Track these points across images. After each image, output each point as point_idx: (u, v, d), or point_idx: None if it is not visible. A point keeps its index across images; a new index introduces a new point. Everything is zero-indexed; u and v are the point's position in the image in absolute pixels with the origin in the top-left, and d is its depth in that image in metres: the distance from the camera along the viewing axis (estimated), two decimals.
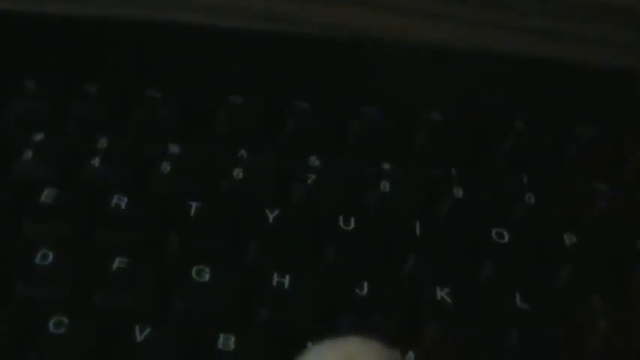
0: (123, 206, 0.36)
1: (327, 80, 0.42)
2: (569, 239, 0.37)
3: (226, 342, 0.31)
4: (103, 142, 0.38)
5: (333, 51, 0.43)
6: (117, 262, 0.33)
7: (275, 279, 0.33)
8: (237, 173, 0.37)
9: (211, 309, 0.33)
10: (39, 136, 0.38)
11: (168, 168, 0.37)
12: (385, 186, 0.37)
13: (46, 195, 0.36)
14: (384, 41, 0.43)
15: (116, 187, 0.36)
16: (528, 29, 0.46)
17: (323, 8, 0.46)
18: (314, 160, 0.38)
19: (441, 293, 0.34)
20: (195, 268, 0.33)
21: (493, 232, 0.36)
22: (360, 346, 0.22)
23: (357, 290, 0.34)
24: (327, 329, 0.32)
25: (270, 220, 0.36)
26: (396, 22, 0.46)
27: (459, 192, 0.38)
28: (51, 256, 0.33)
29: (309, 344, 0.28)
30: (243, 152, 0.38)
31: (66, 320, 0.31)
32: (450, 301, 0.34)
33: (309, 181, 0.37)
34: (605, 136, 0.41)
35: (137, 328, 0.31)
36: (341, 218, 0.36)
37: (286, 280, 0.33)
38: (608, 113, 0.42)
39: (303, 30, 0.44)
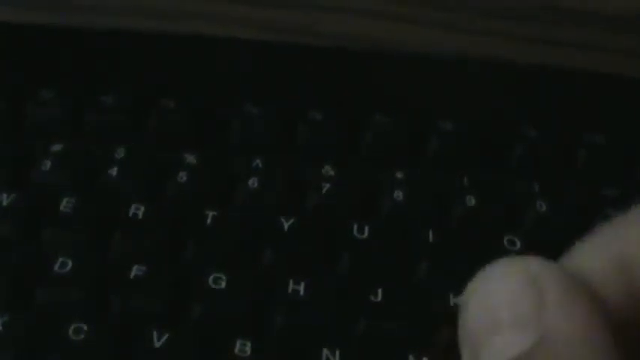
0: (140, 215, 0.36)
1: (339, 90, 0.42)
2: None
3: (243, 347, 0.32)
4: (120, 152, 0.39)
5: (345, 61, 0.43)
6: (135, 270, 0.34)
7: (290, 286, 0.34)
8: (253, 182, 0.37)
9: (228, 315, 0.33)
10: (57, 147, 0.38)
11: (185, 177, 0.37)
12: (398, 194, 0.38)
13: (65, 204, 0.36)
14: (395, 51, 0.44)
15: (133, 196, 0.37)
16: (539, 38, 0.46)
17: (335, 19, 0.46)
18: (328, 169, 0.39)
19: (454, 300, 0.34)
20: (212, 274, 0.34)
21: (505, 239, 0.37)
22: (542, 267, 0.18)
23: (371, 296, 0.34)
24: (343, 335, 0.33)
25: (286, 228, 0.36)
26: (409, 32, 0.46)
27: (471, 200, 0.38)
28: (70, 263, 0.34)
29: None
30: (258, 161, 0.39)
31: (85, 327, 0.32)
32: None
33: (324, 189, 0.38)
34: (615, 144, 0.41)
35: (155, 333, 0.32)
36: (355, 226, 0.36)
37: (301, 287, 0.34)
38: (619, 121, 0.42)
39: (316, 41, 0.45)
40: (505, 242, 0.37)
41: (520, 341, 0.17)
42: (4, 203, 0.36)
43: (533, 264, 0.19)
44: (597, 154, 0.41)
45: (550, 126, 0.42)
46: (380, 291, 0.34)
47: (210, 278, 0.34)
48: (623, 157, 0.41)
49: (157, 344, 0.32)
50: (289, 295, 0.34)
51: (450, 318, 0.34)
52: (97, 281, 0.34)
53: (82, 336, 0.32)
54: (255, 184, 0.37)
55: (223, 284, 0.34)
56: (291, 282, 0.34)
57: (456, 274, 0.35)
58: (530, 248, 0.36)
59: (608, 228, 0.20)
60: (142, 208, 0.36)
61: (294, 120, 0.41)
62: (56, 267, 0.34)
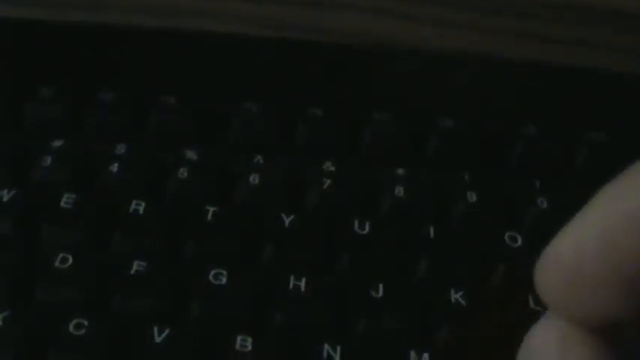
0: (141, 211, 0.36)
1: (339, 87, 0.42)
2: None
3: (244, 344, 0.32)
4: (120, 149, 0.39)
5: (346, 58, 0.43)
6: (135, 266, 0.34)
7: (291, 282, 0.34)
8: (254, 178, 0.37)
9: (229, 311, 0.33)
10: (58, 143, 0.38)
11: (185, 173, 0.37)
12: (399, 190, 0.38)
13: (66, 200, 0.36)
14: (396, 48, 0.44)
15: (134, 193, 0.37)
16: (540, 36, 0.46)
17: (335, 16, 0.46)
18: (328, 166, 0.39)
19: (455, 296, 0.34)
20: (212, 271, 0.34)
21: (506, 235, 0.37)
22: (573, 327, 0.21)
23: (372, 293, 0.34)
24: (343, 332, 0.33)
25: (286, 224, 0.36)
26: (409, 29, 0.46)
27: (472, 196, 0.38)
28: (70, 260, 0.34)
29: None
30: (259, 158, 0.39)
31: (85, 322, 0.32)
32: (463, 303, 0.34)
33: (324, 186, 0.38)
34: (616, 141, 0.42)
35: (155, 329, 0.32)
36: (356, 222, 0.36)
37: (302, 283, 0.34)
38: (620, 119, 0.42)
39: (316, 37, 0.45)
40: (506, 239, 0.37)
41: None
42: (5, 199, 0.36)
43: (560, 320, 0.21)
44: (598, 152, 0.41)
45: (551, 124, 0.42)
46: (381, 288, 0.34)
47: (211, 274, 0.34)
48: (623, 154, 0.41)
49: (158, 340, 0.32)
50: (290, 291, 0.34)
51: (451, 315, 0.34)
52: (98, 278, 0.34)
53: (83, 331, 0.32)
54: (256, 181, 0.37)
55: (224, 280, 0.34)
56: (292, 278, 0.34)
57: (456, 271, 0.36)
58: (532, 245, 0.37)
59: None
60: (143, 205, 0.36)
61: (295, 118, 0.41)
62: (56, 263, 0.34)
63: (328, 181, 0.38)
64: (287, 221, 0.36)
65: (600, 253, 0.19)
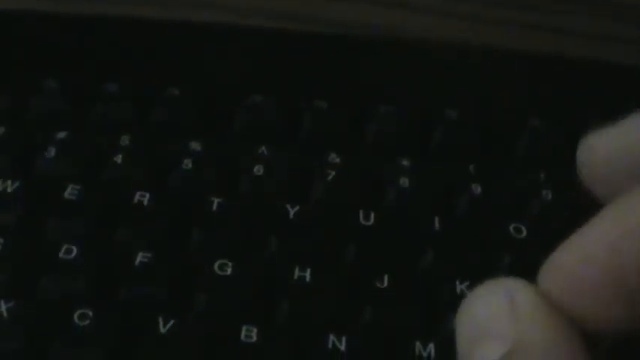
0: (145, 202, 0.36)
1: (345, 78, 0.42)
2: None
3: (249, 334, 0.32)
4: (124, 140, 0.38)
5: (350, 49, 0.43)
6: (140, 257, 0.34)
7: (296, 273, 0.34)
8: (258, 169, 0.37)
9: (234, 302, 0.33)
10: (62, 134, 0.38)
11: (190, 164, 0.37)
12: (404, 182, 0.38)
13: (70, 191, 0.36)
14: (401, 39, 0.44)
15: (138, 184, 0.37)
16: (545, 27, 0.46)
17: (340, 6, 0.46)
18: (333, 157, 0.39)
19: (460, 287, 0.34)
20: (217, 262, 0.34)
21: (511, 227, 0.37)
22: (518, 287, 0.21)
23: (377, 283, 0.34)
24: (349, 322, 0.33)
25: (291, 215, 0.36)
26: (414, 20, 0.46)
27: (477, 188, 0.38)
28: (74, 250, 0.34)
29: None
30: (263, 149, 0.39)
31: (90, 313, 0.32)
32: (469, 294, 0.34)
33: (329, 177, 0.37)
34: None
35: (161, 320, 0.32)
36: (361, 213, 0.36)
37: (307, 274, 0.34)
38: (626, 110, 0.42)
39: (320, 29, 0.45)
40: (511, 230, 0.36)
41: (497, 350, 0.20)
42: (9, 191, 0.36)
43: (511, 285, 0.21)
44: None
45: (556, 115, 0.42)
46: (386, 278, 0.34)
47: (216, 265, 0.34)
48: None
49: (163, 330, 0.32)
50: (295, 281, 0.34)
51: (457, 306, 0.34)
52: (102, 268, 0.34)
53: (88, 322, 0.32)
54: (261, 172, 0.37)
55: (229, 271, 0.33)
56: (297, 269, 0.34)
57: (462, 262, 0.36)
58: (536, 236, 0.36)
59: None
60: (147, 196, 0.36)
61: (299, 109, 0.40)
62: (61, 254, 0.34)
63: (333, 173, 0.38)
64: (292, 212, 0.36)
65: (605, 265, 0.20)
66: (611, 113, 0.42)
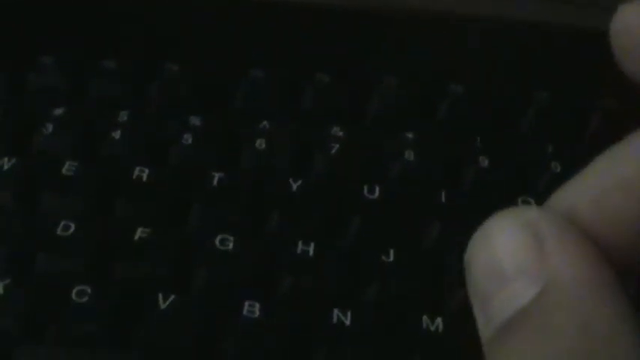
0: (144, 178, 0.35)
1: (347, 51, 0.41)
2: None
3: (251, 309, 0.31)
4: (123, 116, 0.38)
5: (353, 22, 0.42)
6: (139, 232, 0.33)
7: (299, 247, 0.33)
8: (260, 144, 0.37)
9: (236, 277, 0.32)
10: (59, 111, 0.38)
11: (190, 140, 0.37)
12: (409, 155, 0.37)
13: (67, 168, 0.35)
14: (405, 12, 0.43)
15: (138, 159, 0.36)
16: None
17: None
18: (336, 131, 0.38)
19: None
20: (218, 237, 0.33)
21: (519, 199, 0.36)
22: (539, 215, 0.19)
23: (383, 257, 0.33)
24: (354, 296, 0.32)
25: (294, 189, 0.35)
26: None
27: (484, 160, 0.37)
28: (72, 227, 0.33)
29: None
30: (265, 123, 0.38)
31: (88, 289, 0.31)
32: None
33: (332, 150, 0.37)
34: (628, 105, 0.41)
35: (161, 296, 0.31)
36: (365, 187, 0.35)
37: (310, 248, 0.33)
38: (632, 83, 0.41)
39: (322, 2, 0.44)
40: (520, 203, 0.36)
41: (526, 291, 0.18)
42: (5, 168, 0.35)
43: (530, 213, 0.19)
44: (610, 117, 0.40)
45: (563, 88, 0.41)
46: (392, 252, 0.33)
47: (217, 240, 0.33)
48: (635, 117, 0.40)
49: (163, 307, 0.31)
50: (298, 256, 0.33)
51: (464, 279, 0.33)
52: (101, 244, 0.33)
53: (86, 299, 0.31)
54: (263, 146, 0.37)
55: (230, 246, 0.33)
56: (300, 243, 0.33)
57: (469, 235, 0.35)
58: None
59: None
60: (147, 171, 0.35)
61: (301, 83, 0.40)
62: (58, 231, 0.33)
63: (336, 146, 0.37)
64: (295, 186, 0.35)
65: (591, 215, 0.19)
66: (618, 87, 0.41)
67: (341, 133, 0.38)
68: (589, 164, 0.20)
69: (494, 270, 0.19)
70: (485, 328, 0.19)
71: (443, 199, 0.36)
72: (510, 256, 0.19)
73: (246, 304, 0.31)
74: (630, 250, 0.19)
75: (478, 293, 0.19)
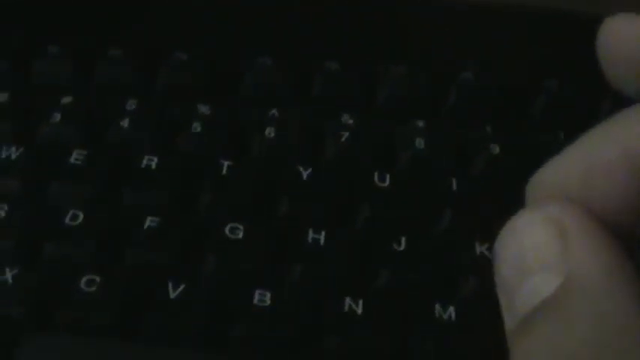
0: (153, 166, 0.35)
1: (357, 39, 0.41)
2: None
3: (262, 298, 0.31)
4: (131, 104, 0.37)
5: (363, 10, 0.42)
6: (148, 221, 0.33)
7: (310, 235, 0.33)
8: (270, 132, 0.36)
9: (246, 266, 0.32)
10: (67, 99, 0.37)
11: (199, 128, 0.36)
12: (420, 142, 0.37)
13: (76, 156, 0.35)
14: (416, 0, 0.42)
15: (146, 148, 0.36)
16: None
17: None
18: (346, 119, 0.38)
19: (480, 249, 0.33)
20: (228, 225, 0.33)
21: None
22: (562, 209, 0.19)
23: (394, 245, 0.33)
24: (366, 285, 0.32)
25: (304, 177, 0.35)
26: None
27: (495, 148, 0.37)
28: (81, 216, 0.33)
29: None
30: (274, 111, 0.37)
31: (97, 278, 0.31)
32: (489, 256, 0.33)
33: (342, 138, 0.36)
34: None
35: (170, 285, 0.31)
36: (376, 175, 0.35)
37: (322, 237, 0.33)
38: None
39: None
40: None
41: (550, 283, 0.19)
42: (13, 157, 0.35)
43: (554, 208, 0.20)
44: (622, 104, 0.40)
45: (574, 75, 0.40)
46: (403, 240, 0.33)
47: (227, 228, 0.32)
48: None
49: (173, 296, 0.31)
50: (309, 244, 0.32)
51: (477, 267, 0.33)
52: (110, 233, 0.33)
53: (95, 288, 0.31)
54: (272, 134, 0.36)
55: (240, 234, 0.32)
56: (310, 231, 0.33)
57: (480, 222, 0.34)
58: None
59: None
60: (155, 160, 0.35)
61: (311, 71, 0.39)
62: (67, 220, 0.33)
63: (346, 134, 0.37)
64: (305, 174, 0.35)
65: (582, 187, 0.19)
66: None
67: (351, 121, 0.37)
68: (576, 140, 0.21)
69: (519, 263, 0.20)
70: (509, 319, 0.20)
71: (454, 187, 0.35)
72: (534, 250, 0.19)
73: (257, 292, 0.31)
74: (618, 225, 0.19)
75: (504, 286, 0.20)
